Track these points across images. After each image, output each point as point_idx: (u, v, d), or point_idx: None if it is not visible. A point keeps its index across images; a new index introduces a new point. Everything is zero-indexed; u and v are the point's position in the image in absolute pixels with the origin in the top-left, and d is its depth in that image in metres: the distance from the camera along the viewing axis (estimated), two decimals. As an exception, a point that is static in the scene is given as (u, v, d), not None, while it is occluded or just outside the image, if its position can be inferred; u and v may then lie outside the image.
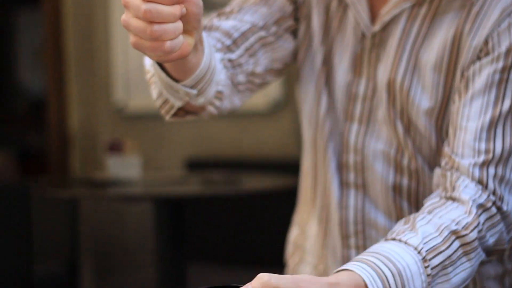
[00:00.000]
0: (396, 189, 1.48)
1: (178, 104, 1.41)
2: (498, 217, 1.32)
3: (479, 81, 1.36)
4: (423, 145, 1.45)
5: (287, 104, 4.42)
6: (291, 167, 2.91)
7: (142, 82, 4.61)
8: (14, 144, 6.55)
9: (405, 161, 1.46)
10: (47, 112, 5.01)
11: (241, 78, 1.50)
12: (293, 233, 1.70)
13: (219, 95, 1.45)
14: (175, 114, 1.45)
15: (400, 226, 1.30)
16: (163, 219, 3.69)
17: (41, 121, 5.51)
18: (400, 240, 1.25)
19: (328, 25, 1.53)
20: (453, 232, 1.28)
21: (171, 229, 3.68)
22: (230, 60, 1.48)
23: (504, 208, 1.33)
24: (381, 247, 1.24)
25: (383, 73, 1.46)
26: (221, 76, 1.43)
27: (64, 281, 4.21)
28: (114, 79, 4.73)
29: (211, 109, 1.46)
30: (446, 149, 1.38)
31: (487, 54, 1.37)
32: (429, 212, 1.30)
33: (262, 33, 1.52)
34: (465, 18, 1.40)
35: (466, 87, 1.38)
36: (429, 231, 1.26)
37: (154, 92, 1.44)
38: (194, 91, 1.38)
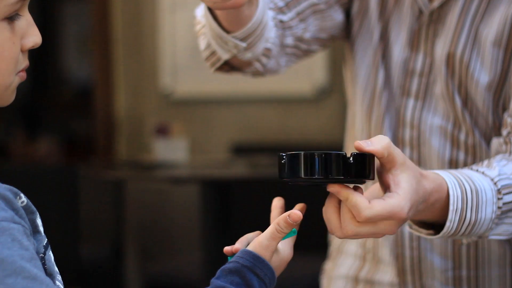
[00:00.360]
0: (453, 164, 1.48)
1: (225, 56, 1.42)
2: None
3: None
4: (480, 120, 1.45)
5: (332, 90, 4.44)
6: (337, 152, 2.91)
7: (189, 67, 4.65)
8: (61, 130, 6.62)
9: (462, 136, 1.46)
10: (94, 98, 5.07)
11: (289, 40, 1.51)
12: None
13: (267, 52, 1.46)
14: (220, 68, 1.46)
15: (475, 165, 1.33)
16: (210, 202, 3.72)
17: (88, 107, 5.57)
18: (477, 170, 1.29)
19: (384, 2, 1.53)
20: None
21: (218, 212, 3.70)
22: (281, 21, 1.49)
23: None
24: (462, 169, 1.28)
25: (442, 48, 1.46)
26: (271, 34, 1.45)
27: (109, 263, 4.26)
28: (161, 64, 4.77)
29: (257, 65, 1.47)
30: (509, 120, 1.38)
31: None
32: (505, 159, 1.33)
33: (314, 0, 1.53)
34: None
35: None
36: (505, 171, 1.29)
37: (202, 43, 1.45)
38: (244, 44, 1.39)
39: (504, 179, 1.28)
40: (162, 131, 3.99)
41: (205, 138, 4.67)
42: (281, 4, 1.49)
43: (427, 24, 1.49)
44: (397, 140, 1.52)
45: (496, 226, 1.28)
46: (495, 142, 1.41)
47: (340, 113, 4.23)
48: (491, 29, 1.42)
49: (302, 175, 1.09)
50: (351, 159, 1.08)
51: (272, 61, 1.49)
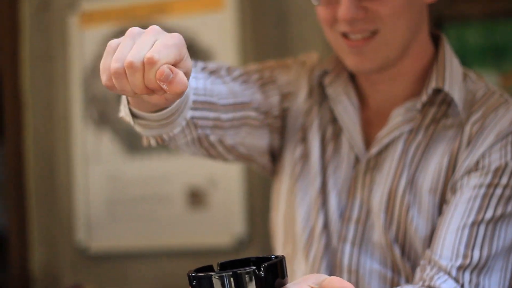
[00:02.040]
0: None
1: (121, 113, 1.35)
2: None
3: (466, 191, 1.40)
4: (418, 263, 1.45)
5: (251, 241, 4.40)
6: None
7: (104, 222, 4.58)
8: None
9: (402, 281, 1.46)
10: (8, 252, 4.95)
11: (213, 139, 1.47)
12: None
13: (158, 139, 1.40)
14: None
15: None
16: None
17: (1, 262, 5.43)
18: None
19: (324, 151, 1.54)
20: None
21: None
22: (218, 119, 1.45)
23: None
24: None
25: (380, 195, 1.47)
26: (175, 130, 1.38)
27: None
28: (76, 219, 4.70)
29: (145, 141, 1.42)
30: (428, 252, 1.39)
31: (476, 170, 1.41)
32: None
33: (252, 114, 1.51)
34: (459, 144, 1.44)
35: (453, 195, 1.41)
36: None
37: None
38: (131, 122, 1.33)
39: None
40: (76, 293, 3.89)
41: (122, 296, 4.58)
42: (226, 101, 1.46)
43: (364, 171, 1.49)
44: None
45: None
46: (416, 271, 1.40)
47: (259, 265, 4.19)
48: (427, 177, 1.44)
49: None
50: (262, 272, 1.02)
51: (173, 143, 1.43)
